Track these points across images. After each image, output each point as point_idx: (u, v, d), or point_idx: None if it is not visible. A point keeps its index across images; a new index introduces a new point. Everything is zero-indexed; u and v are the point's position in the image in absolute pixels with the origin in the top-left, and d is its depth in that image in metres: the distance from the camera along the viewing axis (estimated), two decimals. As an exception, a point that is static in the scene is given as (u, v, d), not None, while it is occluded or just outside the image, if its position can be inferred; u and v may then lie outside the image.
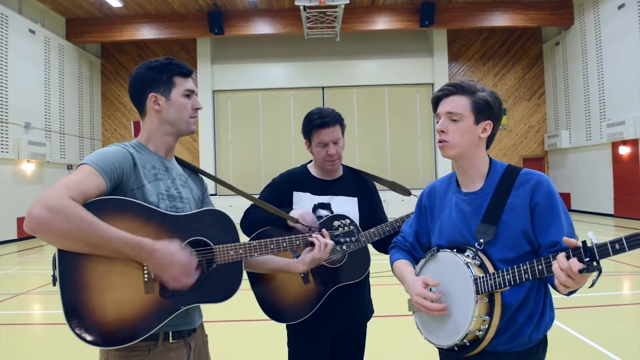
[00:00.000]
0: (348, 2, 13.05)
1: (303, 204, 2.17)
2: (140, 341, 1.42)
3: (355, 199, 2.24)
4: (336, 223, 1.89)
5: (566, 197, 15.57)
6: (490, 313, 1.44)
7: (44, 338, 4.76)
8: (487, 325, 1.44)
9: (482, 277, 1.44)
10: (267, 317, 2.12)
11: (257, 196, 2.06)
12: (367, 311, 2.28)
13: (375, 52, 16.83)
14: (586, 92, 14.61)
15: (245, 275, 1.77)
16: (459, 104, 1.54)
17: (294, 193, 2.21)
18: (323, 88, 17.09)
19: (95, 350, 1.49)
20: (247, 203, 2.14)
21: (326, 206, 2.16)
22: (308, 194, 2.20)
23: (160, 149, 1.61)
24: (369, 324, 2.30)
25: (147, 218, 1.45)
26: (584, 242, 1.25)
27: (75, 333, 1.34)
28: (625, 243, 1.18)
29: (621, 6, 12.67)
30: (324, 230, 1.81)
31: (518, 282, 1.39)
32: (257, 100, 17.16)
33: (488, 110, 1.55)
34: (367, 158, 16.52)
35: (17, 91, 12.48)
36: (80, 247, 1.33)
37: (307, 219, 2.02)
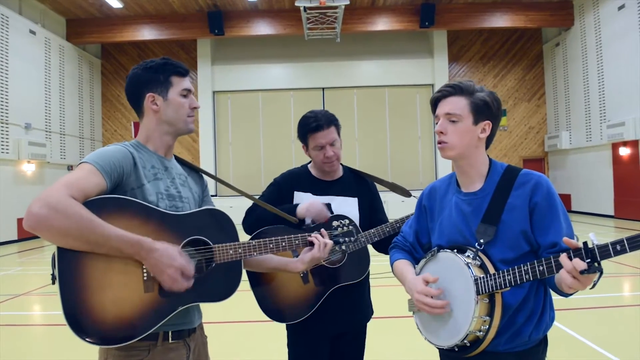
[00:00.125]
0: (348, 2, 13.06)
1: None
2: (140, 341, 1.41)
3: (356, 199, 2.25)
4: (335, 223, 1.90)
5: (566, 198, 15.57)
6: (490, 313, 1.44)
7: (44, 339, 4.76)
8: (487, 326, 1.43)
9: (483, 277, 1.44)
10: (267, 318, 2.12)
11: (258, 197, 2.06)
12: (367, 311, 2.28)
13: (376, 53, 16.84)
14: (586, 93, 14.61)
15: (244, 276, 1.77)
16: (458, 104, 1.54)
17: (295, 193, 2.22)
18: (323, 89, 17.10)
19: (95, 352, 1.49)
20: (247, 204, 2.14)
21: (326, 206, 2.16)
22: (309, 194, 2.20)
23: (159, 148, 1.62)
24: (369, 324, 2.29)
25: (147, 217, 1.45)
26: (585, 243, 1.25)
27: (75, 332, 1.33)
28: (626, 244, 1.18)
29: (621, 7, 12.67)
30: (323, 230, 1.82)
31: (519, 282, 1.39)
32: (257, 101, 17.17)
33: (487, 111, 1.55)
34: (368, 159, 16.52)
35: (18, 92, 12.48)
36: (80, 245, 1.33)
37: (312, 211, 2.04)
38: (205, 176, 1.83)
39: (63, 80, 14.78)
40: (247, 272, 2.09)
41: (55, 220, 1.27)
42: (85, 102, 16.14)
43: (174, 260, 1.41)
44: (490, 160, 1.62)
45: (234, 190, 2.01)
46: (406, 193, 2.36)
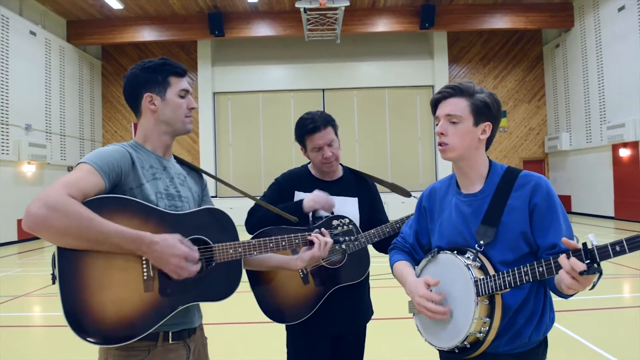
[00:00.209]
0: (348, 4, 13.08)
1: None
2: (140, 341, 1.41)
3: (356, 199, 2.25)
4: (335, 222, 1.90)
5: (566, 199, 15.57)
6: (490, 315, 1.44)
7: (44, 340, 4.75)
8: (487, 327, 1.43)
9: (483, 279, 1.44)
10: (267, 319, 2.12)
11: (259, 197, 2.07)
12: (366, 312, 2.28)
13: (376, 54, 16.85)
14: (586, 94, 14.62)
15: (244, 277, 1.77)
16: (458, 106, 1.54)
17: (296, 192, 2.22)
18: (323, 90, 17.10)
19: (95, 353, 1.49)
20: (248, 205, 2.15)
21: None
22: (309, 194, 2.20)
23: (157, 148, 1.62)
24: (368, 325, 2.29)
25: (146, 216, 1.45)
26: (584, 244, 1.25)
27: (75, 331, 1.33)
28: (625, 245, 1.18)
29: (621, 8, 12.68)
30: (323, 229, 1.82)
31: (519, 284, 1.39)
32: (257, 102, 17.18)
33: (487, 112, 1.55)
34: (368, 160, 16.52)
35: (18, 93, 12.49)
36: (80, 244, 1.33)
37: (318, 201, 2.08)
38: (204, 176, 1.84)
39: (63, 81, 14.79)
40: (247, 272, 2.09)
41: (54, 219, 1.27)
42: (86, 103, 16.15)
43: (175, 248, 1.41)
44: (490, 161, 1.62)
45: (235, 190, 2.01)
46: (406, 193, 2.36)
